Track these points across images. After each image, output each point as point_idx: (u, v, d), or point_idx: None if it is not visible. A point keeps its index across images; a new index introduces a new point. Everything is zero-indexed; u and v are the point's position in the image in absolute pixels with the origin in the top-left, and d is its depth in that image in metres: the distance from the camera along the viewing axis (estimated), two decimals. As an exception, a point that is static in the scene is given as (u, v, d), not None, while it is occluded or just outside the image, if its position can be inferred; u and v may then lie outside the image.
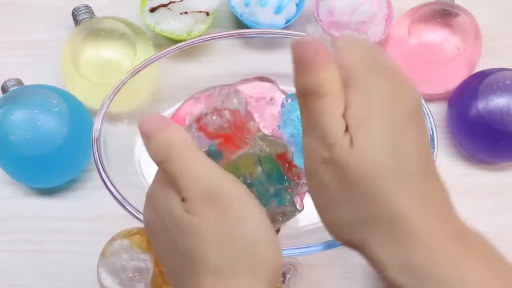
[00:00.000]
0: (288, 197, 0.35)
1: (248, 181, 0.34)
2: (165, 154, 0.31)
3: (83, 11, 0.62)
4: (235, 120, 0.36)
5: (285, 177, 0.35)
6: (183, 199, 0.32)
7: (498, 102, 0.58)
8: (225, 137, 0.35)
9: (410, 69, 0.60)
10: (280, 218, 0.35)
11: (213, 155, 0.35)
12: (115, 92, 0.55)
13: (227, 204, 0.31)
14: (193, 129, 0.36)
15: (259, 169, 0.34)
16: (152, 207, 0.34)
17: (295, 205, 0.36)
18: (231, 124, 0.35)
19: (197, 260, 0.31)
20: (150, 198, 0.35)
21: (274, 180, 0.34)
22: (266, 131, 0.37)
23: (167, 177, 0.32)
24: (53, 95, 0.56)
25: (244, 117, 0.36)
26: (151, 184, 0.35)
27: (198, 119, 0.36)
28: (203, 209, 0.31)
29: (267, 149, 0.35)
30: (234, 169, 0.34)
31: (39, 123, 0.54)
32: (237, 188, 0.31)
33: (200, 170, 0.31)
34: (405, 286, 0.28)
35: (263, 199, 0.34)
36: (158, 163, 0.32)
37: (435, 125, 0.55)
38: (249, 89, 0.62)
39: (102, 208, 0.58)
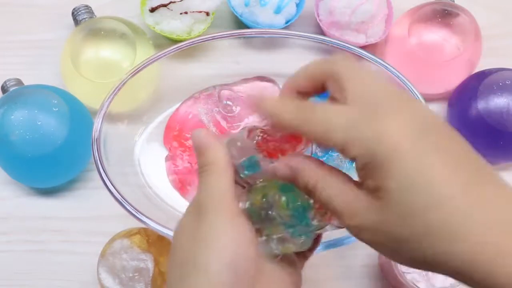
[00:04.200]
0: (303, 231, 0.35)
1: (266, 206, 0.34)
2: (201, 168, 0.34)
3: (83, 11, 0.62)
4: (283, 141, 0.36)
5: (308, 217, 0.34)
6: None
7: (498, 102, 0.58)
8: (269, 154, 0.35)
9: (410, 69, 0.60)
10: (291, 245, 0.35)
11: (252, 165, 0.35)
12: (115, 92, 0.55)
13: (204, 218, 0.32)
14: (249, 138, 0.36)
15: (282, 199, 0.34)
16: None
17: (306, 241, 0.35)
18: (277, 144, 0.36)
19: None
20: None
21: (295, 215, 0.34)
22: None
23: None
24: (53, 95, 0.56)
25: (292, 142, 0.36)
26: None
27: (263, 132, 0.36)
28: (188, 218, 0.33)
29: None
30: (262, 188, 0.35)
31: (39, 123, 0.54)
32: (223, 210, 0.32)
33: (210, 185, 0.33)
34: None
35: (276, 223, 0.34)
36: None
37: (435, 125, 0.55)
38: (249, 89, 0.62)
39: (102, 208, 0.58)
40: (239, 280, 0.30)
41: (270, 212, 0.34)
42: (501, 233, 0.27)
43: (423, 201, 0.27)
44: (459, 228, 0.27)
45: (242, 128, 0.37)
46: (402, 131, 0.28)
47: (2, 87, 0.60)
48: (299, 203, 0.34)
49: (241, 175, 0.35)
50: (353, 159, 0.29)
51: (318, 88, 0.33)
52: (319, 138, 0.30)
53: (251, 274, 0.31)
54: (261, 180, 0.35)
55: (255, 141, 0.35)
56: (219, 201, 0.32)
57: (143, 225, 0.51)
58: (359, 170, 0.29)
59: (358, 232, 0.30)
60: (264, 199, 0.34)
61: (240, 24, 0.67)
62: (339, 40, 0.60)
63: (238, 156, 0.35)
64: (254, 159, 0.35)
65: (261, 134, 0.35)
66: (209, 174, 0.33)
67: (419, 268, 0.30)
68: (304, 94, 0.34)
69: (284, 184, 0.34)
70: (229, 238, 0.31)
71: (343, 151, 0.29)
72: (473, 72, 0.63)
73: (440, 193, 0.27)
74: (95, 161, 0.52)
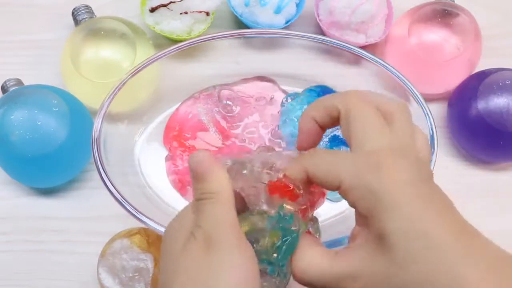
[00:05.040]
0: (282, 272, 0.35)
1: (253, 239, 0.34)
2: (203, 194, 0.33)
3: (83, 11, 0.62)
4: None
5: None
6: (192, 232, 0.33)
7: (498, 102, 0.58)
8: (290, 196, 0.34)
9: (410, 69, 0.60)
10: (265, 283, 0.35)
11: (286, 219, 0.34)
12: (115, 92, 0.55)
13: (217, 251, 0.31)
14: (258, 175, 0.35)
15: (275, 243, 0.34)
16: (175, 223, 0.36)
17: (281, 282, 0.35)
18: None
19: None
20: (179, 214, 0.36)
21: (280, 260, 0.34)
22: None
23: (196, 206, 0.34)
24: (53, 95, 0.56)
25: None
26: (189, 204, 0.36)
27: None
28: (195, 248, 0.32)
29: (300, 229, 0.34)
30: (254, 223, 0.34)
31: (39, 123, 0.54)
32: (234, 242, 0.32)
33: (218, 216, 0.32)
34: None
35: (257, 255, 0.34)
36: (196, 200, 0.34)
37: (435, 125, 0.55)
38: (249, 89, 0.62)
39: (102, 208, 0.58)
40: None
41: (254, 245, 0.34)
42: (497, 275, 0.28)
43: (422, 244, 0.29)
44: (457, 271, 0.28)
45: (249, 156, 0.36)
46: (402, 182, 0.30)
47: (2, 87, 0.60)
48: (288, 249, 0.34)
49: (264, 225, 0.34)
50: (354, 204, 0.31)
51: (335, 121, 0.35)
52: (325, 181, 0.32)
53: None
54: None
55: (267, 180, 0.34)
56: (229, 234, 0.32)
57: (143, 225, 0.51)
58: (360, 217, 0.32)
59: None
60: (254, 231, 0.34)
61: (240, 24, 0.67)
62: (339, 40, 0.60)
63: (240, 183, 0.34)
64: (290, 213, 0.34)
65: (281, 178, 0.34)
66: (213, 203, 0.33)
67: None
68: (324, 125, 0.36)
69: (284, 228, 0.34)
70: (240, 268, 0.31)
71: (346, 194, 0.31)
72: (473, 72, 0.63)
73: (437, 237, 0.29)
74: (95, 161, 0.52)
